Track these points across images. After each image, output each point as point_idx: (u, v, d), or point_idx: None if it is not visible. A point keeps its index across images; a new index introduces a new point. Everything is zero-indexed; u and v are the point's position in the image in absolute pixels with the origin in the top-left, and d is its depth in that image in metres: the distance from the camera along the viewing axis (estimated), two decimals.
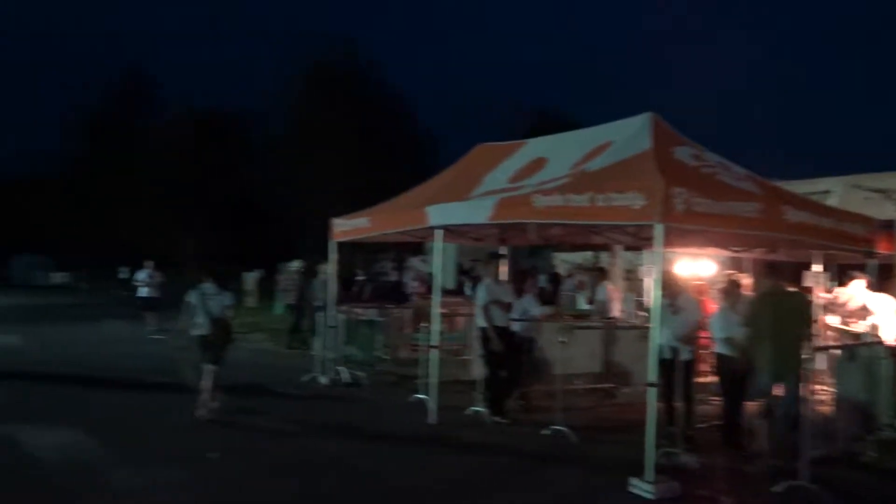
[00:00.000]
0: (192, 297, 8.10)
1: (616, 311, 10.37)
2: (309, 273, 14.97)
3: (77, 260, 48.58)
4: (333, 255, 10.42)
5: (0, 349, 13.93)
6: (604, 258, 14.19)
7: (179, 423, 7.82)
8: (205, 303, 8.00)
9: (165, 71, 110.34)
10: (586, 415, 8.23)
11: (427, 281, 16.33)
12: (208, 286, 8.14)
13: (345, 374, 10.33)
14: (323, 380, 10.26)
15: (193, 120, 46.84)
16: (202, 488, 5.73)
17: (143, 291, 16.59)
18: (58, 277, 48.76)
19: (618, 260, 12.10)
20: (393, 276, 21.26)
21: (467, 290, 14.26)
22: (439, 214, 7.77)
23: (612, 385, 9.30)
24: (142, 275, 16.73)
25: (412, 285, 16.82)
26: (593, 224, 7.75)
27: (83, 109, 55.53)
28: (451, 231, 8.35)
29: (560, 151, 8.07)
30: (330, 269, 10.74)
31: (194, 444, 6.96)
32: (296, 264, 17.47)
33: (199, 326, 8.02)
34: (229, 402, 8.13)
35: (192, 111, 48.02)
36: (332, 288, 10.64)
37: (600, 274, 11.44)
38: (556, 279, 15.90)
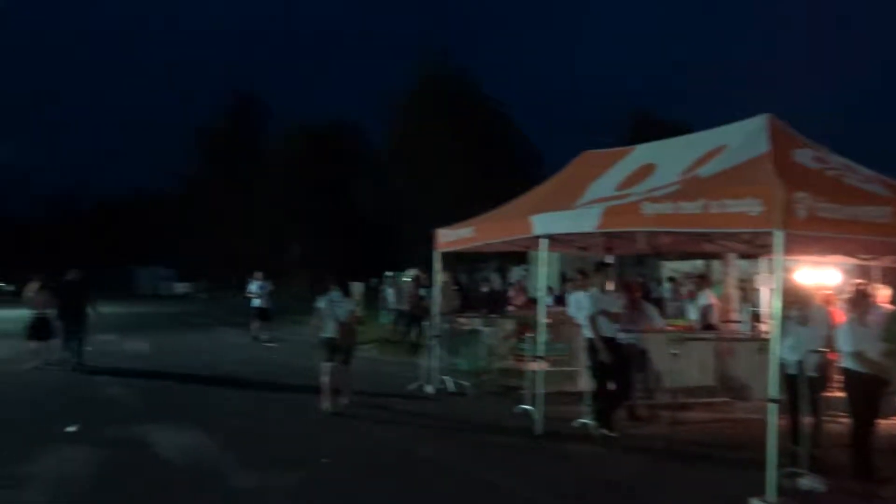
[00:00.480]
0: (321, 304, 8.94)
1: (716, 319, 9.98)
2: (424, 282, 15.13)
3: (197, 271, 51.50)
4: (438, 265, 10.54)
5: (131, 355, 14.99)
6: (715, 267, 13.62)
7: (294, 426, 8.17)
8: (333, 309, 8.84)
9: (278, 89, 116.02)
10: (700, 430, 7.91)
11: (526, 290, 16.20)
12: (336, 294, 8.99)
13: (450, 383, 10.40)
14: (429, 389, 10.36)
15: (304, 136, 48.67)
16: (314, 492, 5.90)
17: (255, 302, 17.25)
18: (180, 288, 51.89)
19: (731, 269, 11.59)
20: (496, 286, 21.23)
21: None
22: (544, 223, 7.70)
23: (727, 399, 8.90)
24: (253, 286, 17.36)
25: (511, 295, 16.69)
26: (706, 232, 7.45)
27: (203, 130, 58.92)
28: (555, 240, 8.24)
29: (669, 157, 7.83)
30: (435, 278, 10.87)
31: (308, 447, 7.19)
32: (411, 273, 17.69)
33: (328, 330, 8.83)
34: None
35: (303, 128, 49.92)
36: (437, 298, 10.76)
37: (701, 282, 11.05)
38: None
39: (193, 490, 5.88)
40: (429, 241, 10.66)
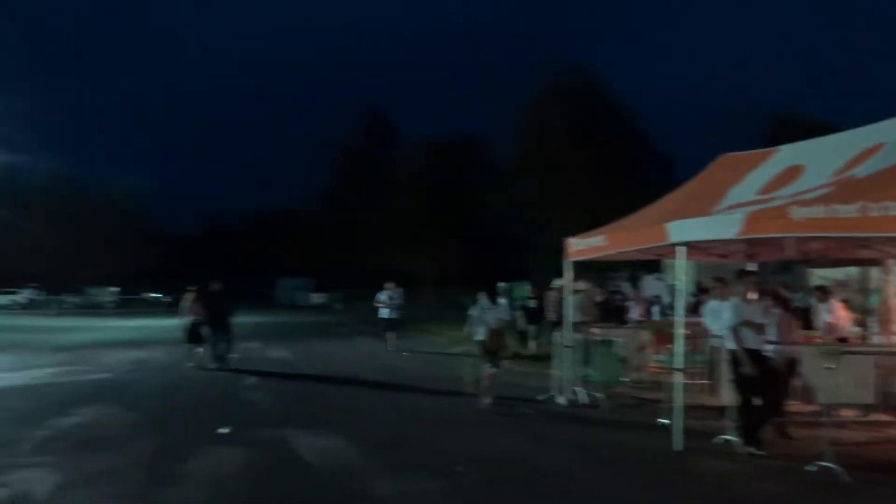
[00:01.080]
0: (473, 311, 10.03)
1: (844, 331, 9.18)
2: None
3: (332, 282, 53.82)
4: (569, 275, 10.40)
5: (274, 362, 15.86)
6: (873, 274, 12.54)
7: (429, 433, 8.31)
8: (483, 315, 9.86)
9: (405, 104, 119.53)
10: (858, 451, 7.29)
11: (651, 303, 15.57)
12: (484, 301, 10.03)
13: (582, 394, 10.22)
14: (560, 399, 10.23)
15: (431, 149, 49.81)
16: (451, 501, 5.97)
17: (384, 312, 17.42)
18: (316, 298, 54.32)
19: (892, 276, 10.63)
20: (628, 294, 20.60)
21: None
22: (681, 231, 7.42)
23: (891, 419, 8.16)
24: (382, 296, 17.57)
25: (632, 307, 15.79)
26: (864, 236, 6.89)
27: (335, 148, 61.70)
28: (692, 248, 7.92)
29: (819, 157, 7.34)
30: (566, 288, 10.73)
31: (442, 454, 7.28)
32: (558, 282, 17.52)
33: (480, 334, 9.92)
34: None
35: (430, 141, 51.09)
36: (569, 307, 10.62)
37: (821, 293, 10.04)
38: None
39: (336, 493, 6.10)
40: (558, 251, 10.56)
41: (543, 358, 14.15)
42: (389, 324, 17.44)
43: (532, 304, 17.25)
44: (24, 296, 49.94)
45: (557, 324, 15.22)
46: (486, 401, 9.80)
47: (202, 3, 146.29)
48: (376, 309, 18.07)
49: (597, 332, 11.19)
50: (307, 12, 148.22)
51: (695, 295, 13.94)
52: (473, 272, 37.39)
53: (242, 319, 28.09)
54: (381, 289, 18.04)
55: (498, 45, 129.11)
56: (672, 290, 15.99)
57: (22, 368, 15.04)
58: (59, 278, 52.99)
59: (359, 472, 6.66)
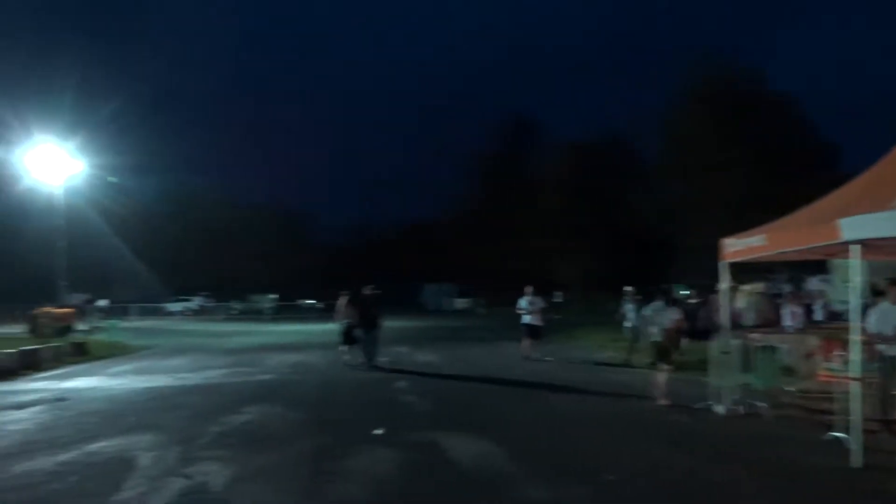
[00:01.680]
0: (647, 311, 10.97)
1: None
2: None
3: (477, 287, 54.42)
4: (725, 277, 9.86)
5: (422, 365, 16.25)
6: None
7: (578, 439, 8.14)
8: (657, 316, 10.53)
9: (547, 108, 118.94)
10: None
11: (809, 305, 14.36)
12: (658, 303, 10.72)
13: (742, 403, 9.63)
14: (719, 408, 9.69)
15: (574, 152, 49.20)
16: None
17: (526, 318, 16.86)
18: (460, 303, 55.11)
19: None
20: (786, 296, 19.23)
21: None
22: (855, 227, 6.79)
23: None
24: (523, 302, 17.05)
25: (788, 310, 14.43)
26: None
27: (477, 153, 62.50)
28: (867, 246, 7.24)
29: None
30: (723, 291, 10.18)
31: (592, 461, 7.12)
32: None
33: (654, 335, 10.56)
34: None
35: (573, 144, 50.47)
36: (726, 311, 10.06)
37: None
38: None
39: (489, 497, 6.12)
40: (711, 252, 10.04)
41: (700, 364, 13.50)
42: (530, 330, 16.94)
43: (692, 306, 16.38)
44: (195, 303, 54.49)
45: (720, 328, 14.45)
46: (664, 402, 10.15)
47: (344, 18, 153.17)
48: (516, 315, 17.88)
49: (756, 337, 10.53)
50: (447, 21, 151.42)
51: (872, 295, 12.78)
52: (619, 276, 36.41)
53: (391, 324, 29.06)
54: (522, 294, 17.74)
55: (646, 38, 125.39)
56: (840, 291, 14.76)
57: (197, 369, 16.40)
58: (226, 286, 57.38)
59: (510, 477, 6.64)
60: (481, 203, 59.53)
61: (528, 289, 17.16)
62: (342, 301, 16.65)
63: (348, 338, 16.27)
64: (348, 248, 73.16)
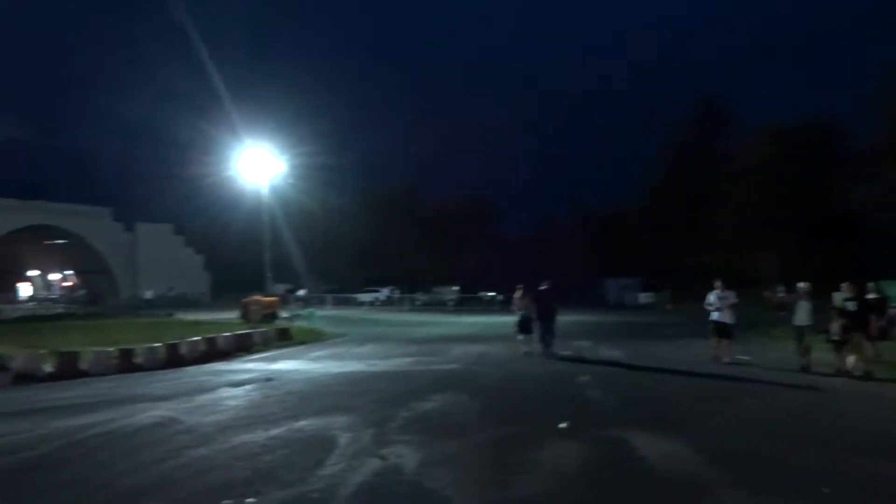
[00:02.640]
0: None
1: None
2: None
3: (662, 281, 52.30)
4: None
5: (606, 360, 15.88)
6: None
7: (782, 447, 7.50)
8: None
9: (737, 92, 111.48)
10: None
11: None
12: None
13: None
14: None
15: (772, 137, 45.59)
16: None
17: (714, 315, 15.57)
18: (644, 298, 53.25)
19: None
20: None
21: None
22: None
23: None
24: (711, 297, 15.77)
25: None
26: None
27: (667, 140, 59.94)
28: None
29: None
30: None
31: (803, 471, 6.52)
32: None
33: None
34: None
35: (771, 129, 46.78)
36: None
37: None
38: None
39: (685, 501, 5.82)
40: None
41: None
42: (719, 328, 15.65)
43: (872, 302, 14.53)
44: (384, 294, 57.37)
45: None
46: None
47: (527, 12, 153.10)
48: (708, 311, 16.76)
49: None
50: (633, 7, 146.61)
51: None
52: (823, 270, 33.26)
53: (572, 318, 28.78)
54: (711, 289, 16.58)
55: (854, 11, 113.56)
56: None
57: (386, 357, 17.24)
58: (412, 278, 59.89)
59: (706, 483, 6.26)
60: (669, 193, 56.91)
61: (718, 283, 15.94)
62: (518, 293, 17.61)
63: (524, 327, 17.06)
64: (530, 240, 73.23)
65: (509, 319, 18.56)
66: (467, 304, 50.81)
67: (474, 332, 25.52)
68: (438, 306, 50.44)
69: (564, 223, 76.07)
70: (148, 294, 59.43)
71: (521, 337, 17.13)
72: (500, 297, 45.85)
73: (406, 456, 7.07)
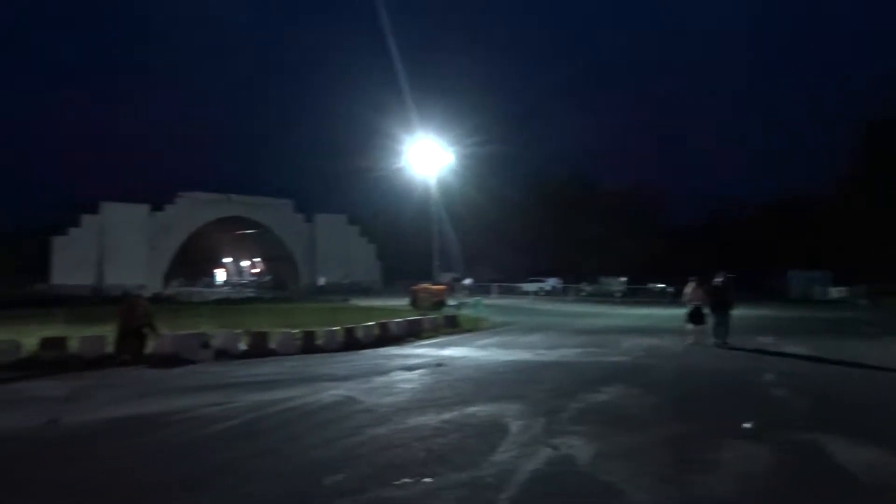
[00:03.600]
0: None
1: None
2: None
3: (855, 275, 47.66)
4: None
5: (791, 358, 14.71)
6: None
7: None
8: None
9: None
10: None
11: None
12: None
13: None
14: None
15: None
16: None
17: None
18: (835, 293, 48.83)
19: None
20: None
21: None
22: None
23: None
24: None
25: None
26: None
27: (855, 124, 54.56)
28: None
29: None
30: None
31: None
32: None
33: None
34: None
35: None
36: None
37: None
38: None
39: None
40: None
41: None
42: None
43: None
44: (549, 284, 57.06)
45: None
46: None
47: None
48: None
49: None
50: None
51: None
52: None
53: (750, 312, 27.02)
54: None
55: None
56: None
57: (553, 347, 17.12)
58: (577, 269, 59.10)
59: None
60: (859, 180, 51.66)
61: None
62: (690, 286, 17.50)
63: (695, 318, 16.89)
64: (703, 229, 69.50)
65: (681, 312, 18.02)
66: (635, 295, 49.24)
67: (644, 325, 24.67)
68: (605, 297, 49.35)
69: (740, 212, 71.36)
70: (321, 281, 63.43)
71: (690, 327, 16.89)
72: (671, 289, 44.01)
73: (578, 447, 6.96)
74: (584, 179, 69.65)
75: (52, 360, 13.58)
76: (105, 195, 58.81)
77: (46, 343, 14.28)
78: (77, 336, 14.93)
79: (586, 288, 54.22)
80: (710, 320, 16.93)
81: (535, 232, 63.12)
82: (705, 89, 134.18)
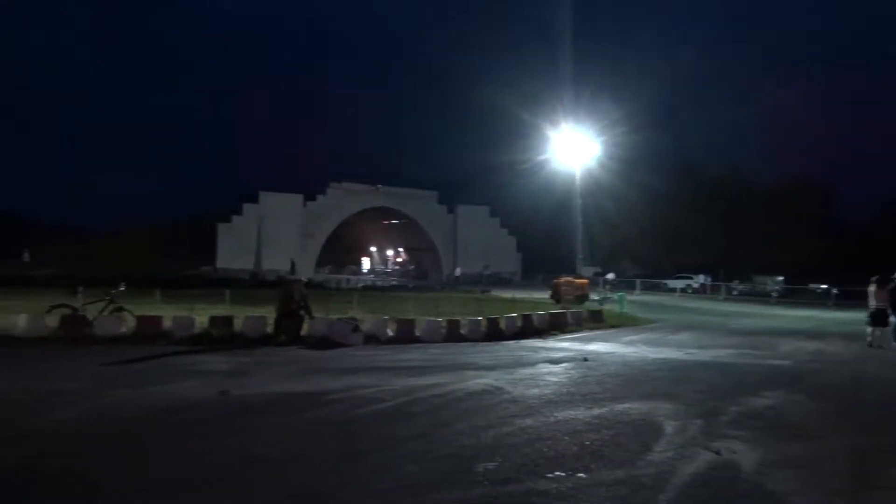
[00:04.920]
0: None
1: None
2: None
3: None
4: None
5: None
6: None
7: None
8: None
9: None
10: None
11: None
12: None
13: None
14: None
15: None
16: None
17: None
18: None
19: None
20: None
21: None
22: None
23: None
24: None
25: None
26: None
27: None
28: None
29: None
30: None
31: None
32: None
33: None
34: None
35: None
36: None
37: None
38: None
39: None
40: None
41: None
42: None
43: None
44: (698, 280, 54.45)
45: None
46: None
47: None
48: None
49: None
50: None
51: None
52: None
53: None
54: None
55: None
56: None
57: (704, 347, 16.31)
58: (728, 266, 55.99)
59: None
60: None
61: None
62: (873, 286, 16.39)
63: (878, 319, 15.93)
64: (873, 227, 63.39)
65: (848, 316, 16.68)
66: (793, 295, 45.91)
67: (806, 327, 22.92)
68: (758, 297, 46.41)
69: None
70: (457, 271, 64.26)
71: (870, 330, 15.91)
72: (836, 291, 40.65)
73: (741, 453, 6.56)
74: (742, 171, 65.59)
75: (220, 337, 14.70)
76: (264, 185, 62.80)
77: (215, 321, 15.46)
78: (241, 315, 16.02)
79: (738, 286, 51.24)
80: (894, 323, 15.82)
81: (685, 226, 60.30)
82: (878, 82, 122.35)
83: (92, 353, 12.20)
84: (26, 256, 48.53)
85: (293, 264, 22.59)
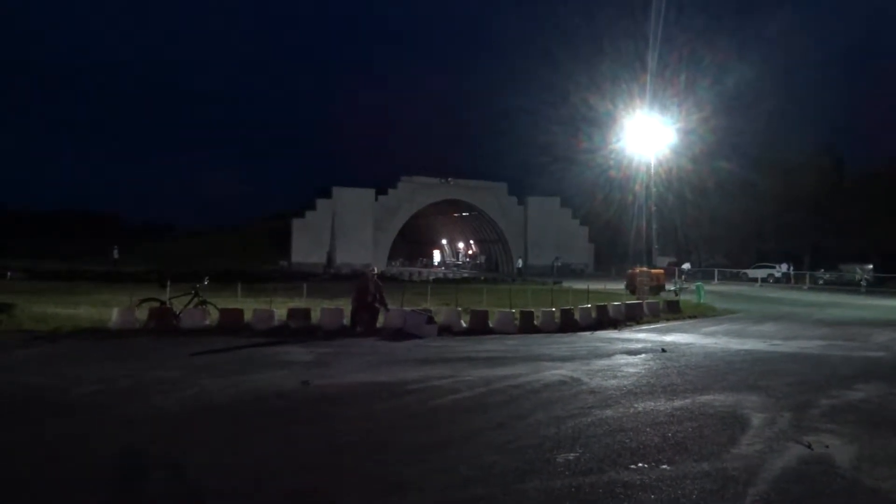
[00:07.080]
0: None
1: None
2: None
3: None
4: None
5: None
6: None
7: None
8: None
9: None
10: None
11: None
12: None
13: None
14: None
15: None
16: None
17: None
18: None
19: None
20: None
21: None
22: None
23: None
24: None
25: None
26: None
27: None
28: None
29: None
30: None
31: None
32: None
33: None
34: None
35: None
36: None
37: None
38: None
39: None
40: None
41: None
42: None
43: None
44: (780, 270, 52.41)
45: None
46: None
47: None
48: None
49: None
50: None
51: None
52: None
53: None
54: None
55: None
56: None
57: (790, 338, 15.72)
58: (811, 254, 53.63)
59: None
60: None
61: None
62: None
63: None
64: None
65: None
66: (885, 284, 43.63)
67: None
68: (846, 286, 44.34)
69: None
70: (518, 263, 63.94)
71: None
72: None
73: (836, 447, 6.29)
74: (830, 157, 62.48)
75: (298, 328, 15.08)
76: (337, 180, 63.92)
77: (293, 313, 15.85)
78: (317, 308, 16.38)
79: (824, 275, 49.05)
80: None
81: (766, 213, 57.94)
82: None
83: (180, 343, 12.71)
84: (116, 254, 50.99)
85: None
